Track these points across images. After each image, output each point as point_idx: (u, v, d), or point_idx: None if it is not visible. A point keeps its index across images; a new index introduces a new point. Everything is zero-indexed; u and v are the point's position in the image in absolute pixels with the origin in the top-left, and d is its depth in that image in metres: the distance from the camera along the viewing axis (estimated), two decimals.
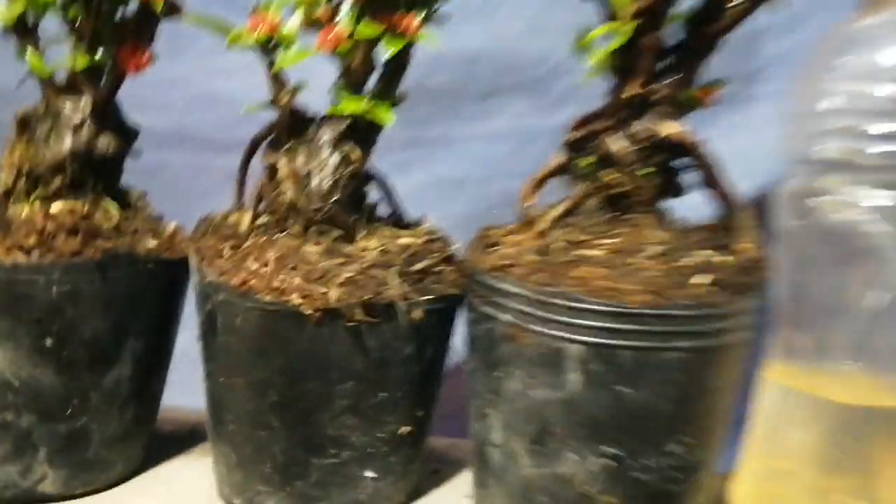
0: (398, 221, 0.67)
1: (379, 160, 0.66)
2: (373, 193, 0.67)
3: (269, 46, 0.61)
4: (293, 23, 0.63)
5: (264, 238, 0.61)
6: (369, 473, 0.61)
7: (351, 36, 0.60)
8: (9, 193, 0.63)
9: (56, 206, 0.62)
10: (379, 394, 0.59)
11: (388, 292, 0.57)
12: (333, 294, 0.56)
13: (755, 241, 0.61)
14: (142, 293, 0.63)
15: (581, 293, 0.52)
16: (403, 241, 0.62)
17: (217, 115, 1.13)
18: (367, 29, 0.59)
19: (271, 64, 0.61)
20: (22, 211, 0.62)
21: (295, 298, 0.56)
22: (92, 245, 0.60)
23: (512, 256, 0.57)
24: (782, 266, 0.57)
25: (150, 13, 0.64)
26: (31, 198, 0.63)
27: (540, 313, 0.53)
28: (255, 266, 0.58)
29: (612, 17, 0.58)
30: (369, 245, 0.61)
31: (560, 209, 0.61)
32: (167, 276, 0.64)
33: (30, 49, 0.64)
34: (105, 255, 0.60)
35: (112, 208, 0.65)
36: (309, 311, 0.56)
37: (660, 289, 0.53)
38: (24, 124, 0.65)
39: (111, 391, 0.62)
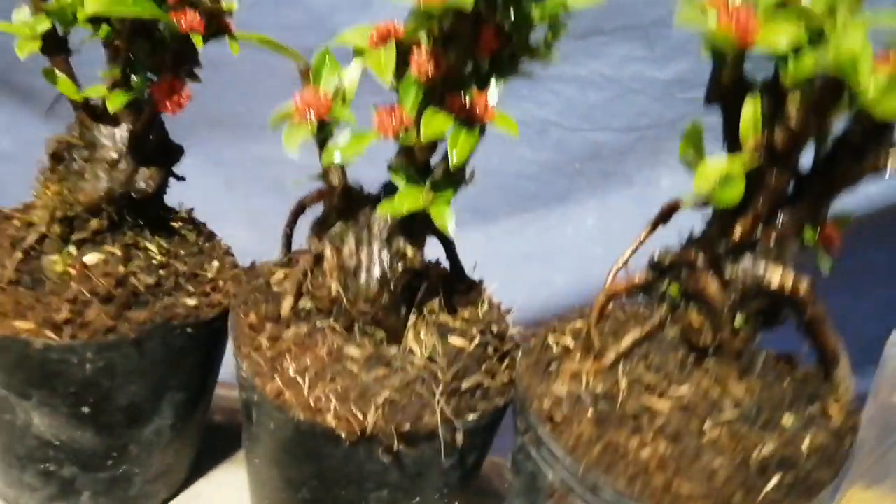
0: (456, 289, 0.61)
1: None
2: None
3: (321, 127, 0.52)
4: (353, 75, 0.54)
5: (305, 329, 0.56)
6: None
7: (416, 122, 0.51)
8: (43, 238, 0.59)
9: (91, 258, 0.58)
10: (415, 499, 0.57)
11: (430, 418, 0.53)
12: (371, 419, 0.53)
13: (848, 405, 0.54)
14: (181, 356, 0.60)
15: (633, 492, 0.48)
16: (455, 342, 0.57)
17: (286, 17, 1.02)
18: (435, 122, 0.50)
19: (322, 142, 0.53)
20: (55, 263, 0.58)
21: (330, 420, 0.53)
22: (126, 319, 0.56)
23: (568, 404, 0.52)
24: (870, 438, 0.50)
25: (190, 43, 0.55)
26: (67, 245, 0.59)
27: (588, 495, 0.49)
28: (291, 371, 0.54)
29: (734, 136, 0.48)
30: (417, 348, 0.56)
31: (630, 340, 0.54)
32: (207, 335, 0.61)
33: (60, 70, 0.57)
34: (140, 329, 0.56)
35: (153, 247, 0.61)
36: (344, 435, 0.53)
37: (724, 495, 0.47)
38: (58, 158, 0.59)
39: (151, 441, 0.62)
